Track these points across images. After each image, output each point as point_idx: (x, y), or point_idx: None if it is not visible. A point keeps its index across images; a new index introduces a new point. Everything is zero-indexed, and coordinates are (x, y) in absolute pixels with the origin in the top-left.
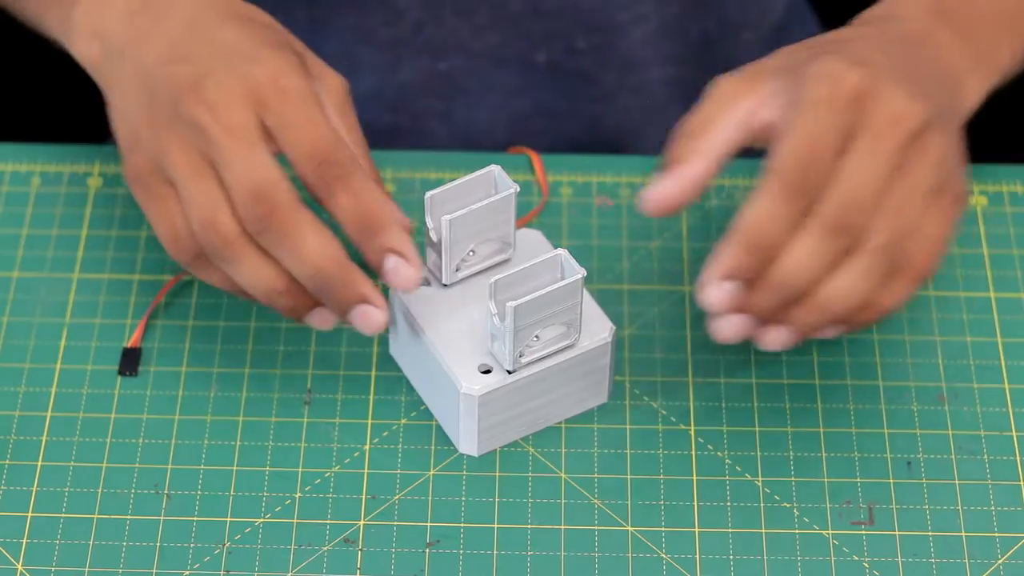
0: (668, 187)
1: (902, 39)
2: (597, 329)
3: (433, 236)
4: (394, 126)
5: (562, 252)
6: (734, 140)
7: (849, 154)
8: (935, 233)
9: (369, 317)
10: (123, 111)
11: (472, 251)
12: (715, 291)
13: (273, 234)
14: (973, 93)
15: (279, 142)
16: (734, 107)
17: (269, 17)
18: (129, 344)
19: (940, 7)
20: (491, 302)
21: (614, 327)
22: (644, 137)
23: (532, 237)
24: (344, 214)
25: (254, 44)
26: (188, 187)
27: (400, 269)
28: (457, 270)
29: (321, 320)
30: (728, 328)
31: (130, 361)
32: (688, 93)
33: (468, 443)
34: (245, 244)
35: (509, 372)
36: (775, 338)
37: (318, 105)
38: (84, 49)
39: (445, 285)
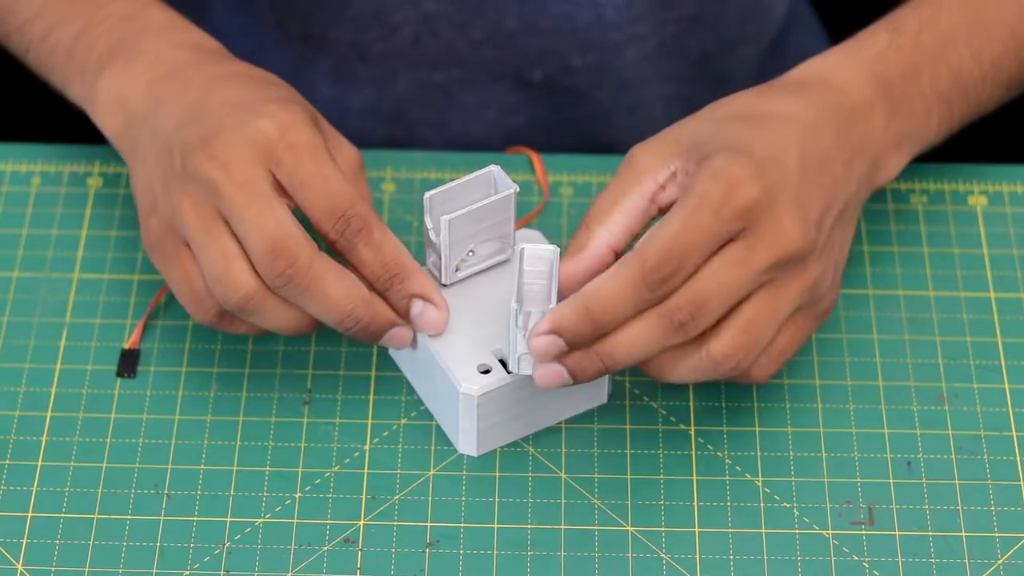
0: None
1: (835, 114)
2: None
3: (432, 236)
4: (389, 139)
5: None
6: (635, 225)
7: (717, 257)
8: (781, 349)
9: (399, 338)
10: (141, 179)
11: (472, 251)
12: (543, 341)
13: (294, 287)
14: (893, 168)
15: (295, 199)
16: (640, 189)
17: (284, 82)
18: (127, 345)
19: (879, 78)
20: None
21: None
22: None
23: (532, 238)
24: (367, 267)
25: (261, 99)
26: (201, 243)
27: (427, 313)
28: (457, 270)
29: None
30: (545, 377)
31: (128, 362)
32: (685, 110)
33: (467, 443)
34: (265, 296)
35: (506, 369)
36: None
37: (329, 157)
38: (109, 121)
39: (444, 285)
